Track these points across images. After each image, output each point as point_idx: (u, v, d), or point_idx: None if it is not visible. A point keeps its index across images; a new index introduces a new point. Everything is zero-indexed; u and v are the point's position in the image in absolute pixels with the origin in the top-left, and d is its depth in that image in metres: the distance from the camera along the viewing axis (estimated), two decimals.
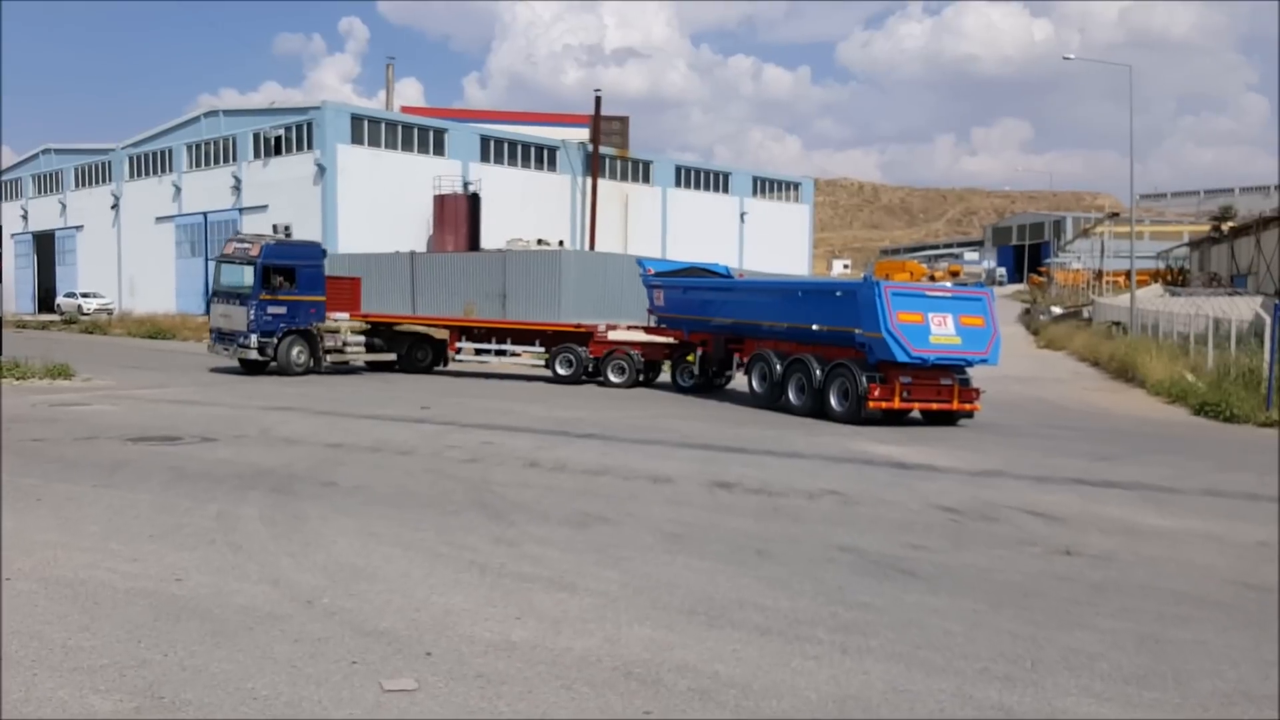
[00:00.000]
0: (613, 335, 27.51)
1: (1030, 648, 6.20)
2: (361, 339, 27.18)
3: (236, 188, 53.92)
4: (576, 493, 10.76)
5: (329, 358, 26.28)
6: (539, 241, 48.39)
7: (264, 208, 51.56)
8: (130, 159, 63.06)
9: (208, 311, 29.10)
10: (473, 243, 49.43)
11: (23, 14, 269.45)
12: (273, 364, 25.59)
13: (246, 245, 26.14)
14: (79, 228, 66.88)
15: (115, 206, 63.20)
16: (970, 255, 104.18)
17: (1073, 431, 19.13)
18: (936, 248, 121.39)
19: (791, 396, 20.22)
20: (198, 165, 57.79)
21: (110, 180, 64.42)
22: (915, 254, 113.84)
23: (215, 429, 14.95)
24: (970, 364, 19.35)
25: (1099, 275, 67.65)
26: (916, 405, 19.02)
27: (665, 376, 26.10)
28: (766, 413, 19.93)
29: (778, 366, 20.53)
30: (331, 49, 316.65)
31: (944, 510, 10.50)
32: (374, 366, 27.67)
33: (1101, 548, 9.08)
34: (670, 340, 25.92)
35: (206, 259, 53.83)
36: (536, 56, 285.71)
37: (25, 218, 72.52)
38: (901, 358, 18.26)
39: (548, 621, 6.33)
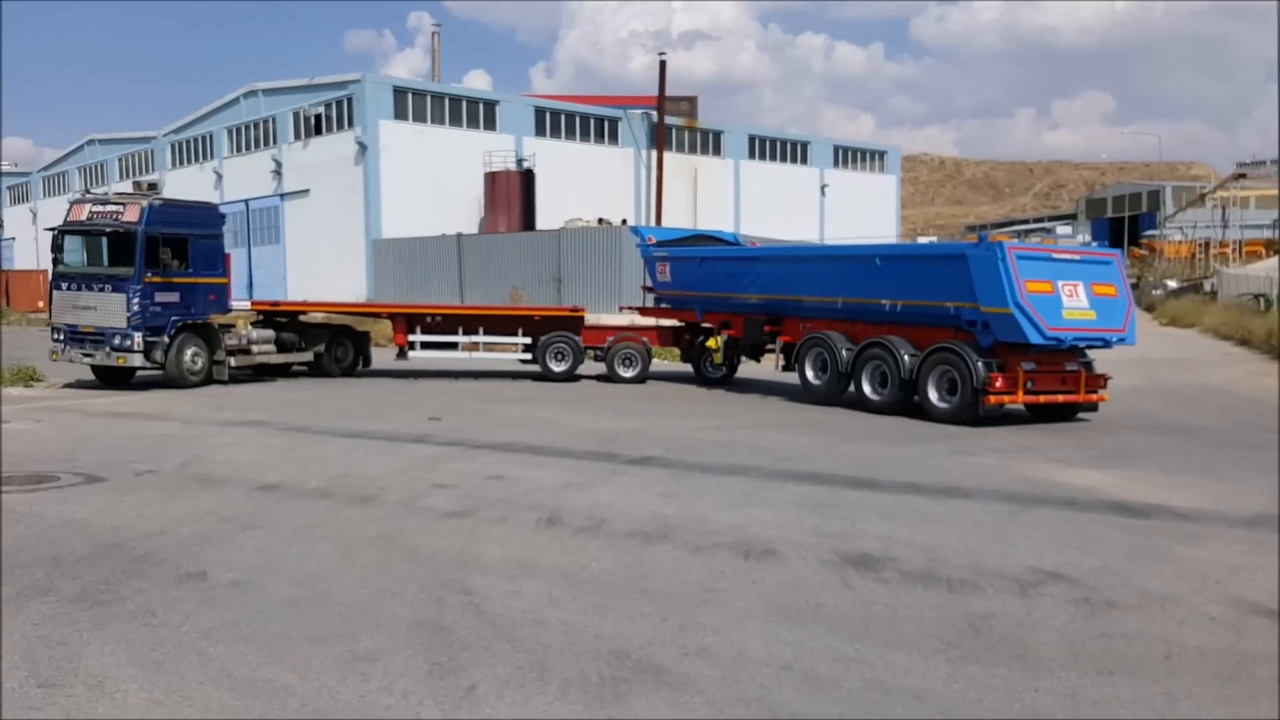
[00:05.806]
0: (604, 320, 23.11)
1: None
2: (270, 335, 20.53)
3: (277, 172, 50.11)
4: (613, 590, 6.18)
5: (232, 360, 19.34)
6: (599, 221, 43.79)
7: (305, 192, 47.89)
8: (172, 146, 59.87)
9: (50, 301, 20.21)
10: (527, 223, 44.98)
11: (104, 8, 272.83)
12: (142, 372, 18.81)
13: (114, 208, 18.56)
14: None
15: None
16: (1063, 229, 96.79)
17: None
18: (1026, 222, 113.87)
19: (867, 389, 16.00)
20: (238, 150, 54.18)
21: (153, 169, 61.24)
22: (1003, 229, 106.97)
23: (127, 458, 10.71)
24: (1109, 344, 15.14)
25: (1208, 247, 61.39)
26: (1043, 398, 14.75)
27: (660, 365, 21.93)
28: (886, 421, 15.13)
29: (844, 352, 16.41)
30: (401, 44, 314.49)
31: (1272, 618, 5.77)
32: (263, 370, 20.60)
33: None
34: (677, 323, 21.67)
35: (250, 248, 50.43)
36: (603, 44, 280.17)
37: None
38: (1034, 338, 14.07)
39: None
